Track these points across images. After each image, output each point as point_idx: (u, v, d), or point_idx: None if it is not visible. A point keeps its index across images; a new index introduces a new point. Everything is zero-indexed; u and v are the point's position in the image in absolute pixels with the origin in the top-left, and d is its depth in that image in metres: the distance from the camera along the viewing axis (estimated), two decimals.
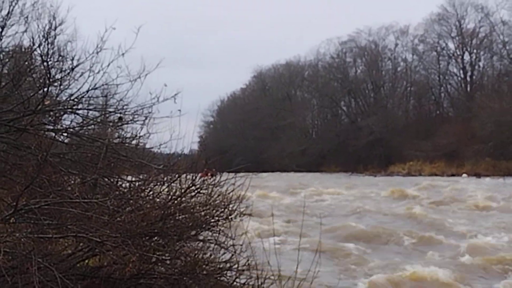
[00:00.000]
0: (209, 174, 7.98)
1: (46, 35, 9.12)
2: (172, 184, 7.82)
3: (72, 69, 8.73)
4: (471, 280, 14.09)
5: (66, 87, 8.98)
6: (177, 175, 7.94)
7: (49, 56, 8.99)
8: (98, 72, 8.59)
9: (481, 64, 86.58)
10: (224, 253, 7.65)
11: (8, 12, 25.58)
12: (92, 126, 9.27)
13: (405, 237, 19.73)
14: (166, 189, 7.76)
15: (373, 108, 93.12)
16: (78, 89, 8.73)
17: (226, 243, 7.81)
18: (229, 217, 8.01)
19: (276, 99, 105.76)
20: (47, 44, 9.01)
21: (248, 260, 7.60)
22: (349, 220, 24.12)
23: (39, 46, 9.18)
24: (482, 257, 15.87)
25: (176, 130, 8.64)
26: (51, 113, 8.75)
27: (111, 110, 9.31)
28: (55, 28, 9.37)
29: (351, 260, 16.52)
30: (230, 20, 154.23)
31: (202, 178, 7.89)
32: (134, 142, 9.19)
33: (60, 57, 9.28)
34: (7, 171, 7.69)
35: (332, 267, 14.78)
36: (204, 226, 7.66)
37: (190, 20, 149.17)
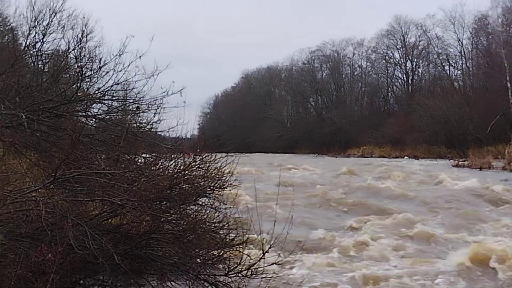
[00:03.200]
0: (190, 155, 7.97)
1: (78, 41, 9.08)
2: (178, 160, 7.82)
3: (99, 68, 8.70)
4: None
5: (95, 82, 8.95)
6: (181, 153, 7.97)
7: (81, 58, 8.97)
8: (120, 71, 8.56)
9: (420, 70, 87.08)
10: (218, 215, 7.66)
11: (48, 23, 25.43)
12: (115, 113, 9.22)
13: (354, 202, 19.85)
14: (173, 164, 7.75)
15: (335, 103, 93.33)
16: (104, 84, 8.69)
17: (219, 207, 7.83)
18: (222, 187, 8.03)
19: (259, 96, 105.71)
20: (80, 48, 8.98)
21: (236, 220, 7.64)
22: (314, 189, 24.20)
23: (73, 50, 9.13)
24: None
25: (181, 118, 8.64)
26: (83, 102, 8.70)
27: (130, 101, 9.25)
28: (86, 35, 9.33)
29: (315, 218, 16.62)
30: (222, 28, 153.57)
31: (186, 158, 7.91)
32: (148, 126, 9.15)
33: (90, 59, 9.23)
34: (47, 148, 7.65)
35: (302, 225, 14.85)
36: (202, 193, 7.67)
37: (190, 28, 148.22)
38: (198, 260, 7.05)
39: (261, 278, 7.05)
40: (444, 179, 27.89)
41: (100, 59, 8.86)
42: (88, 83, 8.99)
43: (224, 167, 8.25)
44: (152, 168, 7.70)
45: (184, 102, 8.74)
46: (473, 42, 75.12)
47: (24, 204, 5.93)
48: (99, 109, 9.03)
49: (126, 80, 8.81)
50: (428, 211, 18.58)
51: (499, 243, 12.48)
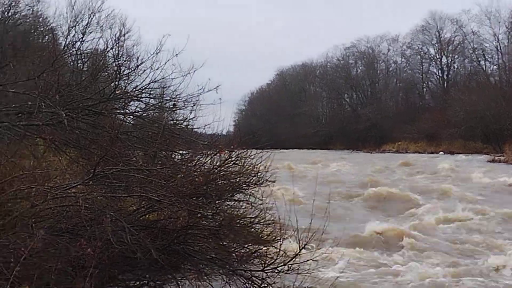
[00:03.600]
0: (224, 152, 7.95)
1: (116, 40, 9.15)
2: (214, 156, 7.82)
3: (137, 66, 8.75)
4: None
5: (132, 80, 9.00)
6: (217, 150, 7.96)
7: (119, 57, 9.03)
8: (157, 69, 8.62)
9: (455, 65, 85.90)
10: (254, 210, 7.64)
11: (87, 23, 25.78)
12: (152, 111, 9.27)
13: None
14: (209, 161, 7.75)
15: (370, 99, 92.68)
16: (141, 82, 8.74)
17: (255, 202, 7.81)
18: (258, 182, 8.01)
19: (294, 93, 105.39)
20: (118, 47, 9.05)
21: (272, 216, 7.61)
22: (351, 185, 24.06)
23: (111, 49, 9.23)
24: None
25: (217, 115, 8.65)
26: (121, 100, 8.77)
27: (167, 98, 9.30)
28: (124, 34, 9.44)
29: (352, 215, 16.53)
30: (257, 26, 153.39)
31: (220, 154, 7.88)
32: (184, 123, 9.21)
33: (128, 57, 9.30)
34: (87, 145, 7.72)
35: (339, 222, 14.77)
36: (238, 189, 7.66)
37: (227, 31, 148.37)
38: (234, 255, 7.04)
39: (297, 274, 7.02)
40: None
41: (138, 58, 8.93)
42: (126, 81, 9.05)
43: (260, 163, 8.23)
44: (189, 164, 7.71)
45: (220, 99, 8.77)
46: (509, 36, 74.04)
47: (64, 200, 5.99)
48: (136, 106, 9.10)
49: (163, 78, 8.88)
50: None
51: None
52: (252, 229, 7.42)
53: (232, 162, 7.73)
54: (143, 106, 9.00)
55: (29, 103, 7.16)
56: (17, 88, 7.49)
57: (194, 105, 8.90)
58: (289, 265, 7.03)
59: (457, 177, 28.38)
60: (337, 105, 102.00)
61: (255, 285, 7.02)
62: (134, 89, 8.74)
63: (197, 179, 6.99)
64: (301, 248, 7.05)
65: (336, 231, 12.53)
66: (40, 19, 29.58)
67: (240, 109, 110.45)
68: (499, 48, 76.11)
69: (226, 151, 7.90)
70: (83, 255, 5.33)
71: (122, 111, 8.83)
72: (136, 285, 6.83)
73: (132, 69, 8.86)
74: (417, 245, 12.55)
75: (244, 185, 7.80)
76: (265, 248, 7.33)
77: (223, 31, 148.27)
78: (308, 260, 7.19)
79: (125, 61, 9.23)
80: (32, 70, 8.08)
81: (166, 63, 8.64)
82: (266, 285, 7.03)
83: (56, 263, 5.08)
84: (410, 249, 12.19)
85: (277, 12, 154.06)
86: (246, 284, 7.04)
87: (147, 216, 6.85)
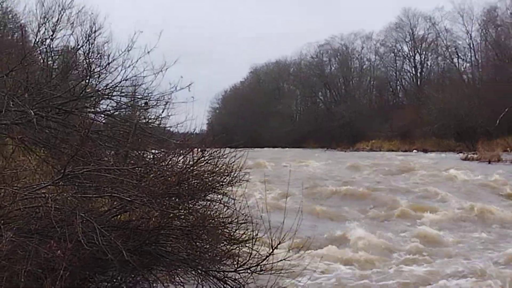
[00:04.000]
0: (197, 151, 7.95)
1: (87, 37, 9.10)
2: (186, 156, 7.80)
3: (108, 64, 8.72)
4: None
5: (103, 78, 8.98)
6: (190, 149, 7.95)
7: (90, 54, 8.97)
8: (129, 66, 8.59)
9: (428, 63, 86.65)
10: (227, 210, 7.63)
11: (58, 19, 25.45)
12: (124, 109, 9.24)
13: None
14: (182, 160, 7.74)
15: (344, 97, 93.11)
16: (113, 80, 8.73)
17: (228, 202, 7.80)
18: (231, 182, 8.01)
19: (268, 90, 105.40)
20: (88, 45, 9.00)
21: (245, 216, 7.61)
22: (324, 183, 24.12)
23: (82, 46, 9.17)
24: None
25: (189, 113, 8.63)
26: (92, 99, 8.74)
27: (139, 97, 9.27)
28: (95, 31, 9.36)
29: (325, 214, 16.57)
30: (229, 23, 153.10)
31: (193, 153, 7.87)
32: (157, 122, 9.17)
33: (99, 55, 9.25)
34: (57, 144, 7.66)
35: (312, 221, 14.82)
36: (211, 189, 7.64)
37: (199, 24, 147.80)
38: (207, 256, 7.04)
39: (270, 274, 7.03)
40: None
41: (109, 55, 8.89)
42: (97, 79, 9.02)
43: (233, 162, 8.22)
44: (161, 163, 7.68)
45: (193, 97, 8.76)
46: (482, 34, 74.85)
47: (33, 201, 5.93)
48: (108, 105, 9.06)
49: (135, 76, 8.85)
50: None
51: None
52: (225, 229, 7.41)
53: (205, 162, 7.72)
54: (115, 104, 8.97)
55: None
56: None
57: (166, 104, 8.88)
58: (262, 265, 7.03)
59: (431, 175, 28.58)
60: (311, 103, 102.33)
61: (228, 286, 7.03)
62: (105, 87, 8.71)
63: (169, 178, 6.96)
64: (273, 248, 7.06)
65: (310, 230, 12.58)
66: (10, 15, 29.24)
67: (213, 107, 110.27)
68: (472, 45, 77.02)
69: (199, 150, 7.90)
70: (53, 257, 5.29)
71: (93, 110, 8.80)
72: (107, 287, 6.79)
73: (103, 67, 8.82)
74: (392, 245, 12.62)
75: (217, 185, 7.79)
76: (238, 248, 7.34)
77: (196, 28, 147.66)
78: (281, 260, 7.19)
79: (96, 58, 9.18)
80: (0, 67, 7.98)
81: (137, 60, 8.62)
82: (239, 285, 7.03)
83: (25, 266, 5.03)
84: (385, 249, 12.26)
85: (251, 9, 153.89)
86: (219, 284, 7.04)
87: (118, 216, 6.82)
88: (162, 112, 8.94)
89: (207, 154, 7.84)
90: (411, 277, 10.00)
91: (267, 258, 7.03)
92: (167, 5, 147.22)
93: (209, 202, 7.63)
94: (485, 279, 9.73)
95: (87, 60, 8.86)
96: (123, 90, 8.92)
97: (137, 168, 7.00)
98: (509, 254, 11.33)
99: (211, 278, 7.01)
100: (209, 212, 7.36)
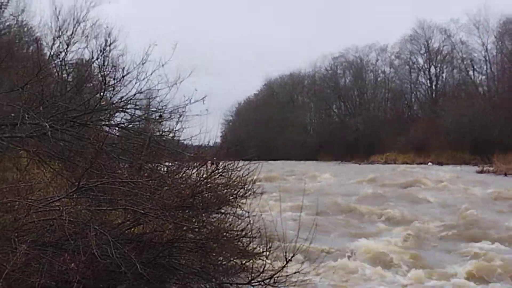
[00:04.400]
0: (211, 163, 7.95)
1: (102, 50, 9.16)
2: (200, 168, 7.82)
3: (123, 77, 8.76)
4: None
5: (118, 91, 9.02)
6: (204, 162, 7.97)
7: (104, 67, 9.02)
8: (143, 79, 8.64)
9: (444, 75, 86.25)
10: (241, 223, 7.64)
11: (72, 32, 25.63)
12: (138, 122, 9.28)
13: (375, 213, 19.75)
14: (196, 172, 7.76)
15: (358, 110, 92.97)
16: (127, 93, 8.76)
17: (242, 215, 7.81)
18: (245, 194, 8.02)
19: (282, 103, 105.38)
20: (103, 58, 9.05)
21: (259, 229, 7.61)
22: (337, 198, 24.04)
23: (97, 59, 9.23)
24: None
25: (203, 126, 8.66)
26: (106, 111, 8.76)
27: (153, 109, 9.31)
28: (110, 44, 9.42)
29: (340, 228, 16.53)
30: (244, 36, 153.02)
31: (207, 166, 7.88)
32: (170, 135, 9.20)
33: (113, 68, 9.29)
34: (71, 157, 7.70)
35: (326, 234, 14.77)
36: (225, 202, 7.66)
37: (213, 39, 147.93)
38: (221, 268, 7.05)
39: (284, 286, 7.02)
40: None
41: (123, 68, 8.94)
42: (111, 92, 9.05)
43: (247, 175, 8.23)
44: (175, 176, 7.71)
45: (207, 110, 8.79)
46: (498, 46, 74.42)
47: (47, 214, 5.97)
48: (122, 118, 9.09)
49: (149, 89, 8.88)
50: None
51: None
52: (239, 242, 7.43)
53: (219, 174, 7.74)
54: (129, 117, 9.00)
55: (13, 114, 7.13)
56: (0, 100, 7.46)
57: (180, 116, 8.92)
58: (276, 278, 7.04)
59: (448, 188, 28.48)
60: (325, 116, 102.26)
61: None
62: (120, 100, 8.74)
63: (183, 191, 6.98)
64: (287, 260, 7.06)
65: (324, 243, 12.54)
66: (25, 29, 29.45)
67: (227, 119, 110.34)
68: (487, 58, 76.59)
69: (213, 163, 7.91)
70: (67, 270, 5.32)
71: (108, 123, 8.83)
72: None
73: (118, 80, 8.86)
74: (405, 257, 12.57)
75: (231, 197, 7.81)
76: (251, 261, 7.34)
77: (210, 40, 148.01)
78: (295, 273, 7.18)
79: (110, 71, 9.22)
80: (16, 80, 8.04)
81: (152, 73, 8.66)
82: None
83: (39, 278, 5.06)
84: (400, 262, 12.22)
85: (264, 21, 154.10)
86: None
87: (132, 229, 6.83)
88: (176, 124, 8.99)
89: (221, 167, 7.86)
90: None
91: (281, 271, 7.03)
92: (181, 17, 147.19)
93: (223, 215, 7.65)
94: None
95: (102, 73, 8.90)
96: (137, 103, 8.97)
97: (151, 181, 7.02)
98: None
99: None
100: (222, 225, 7.38)
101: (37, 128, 7.13)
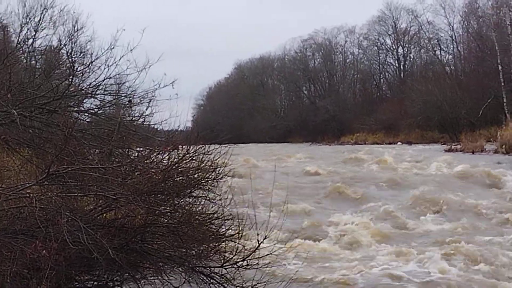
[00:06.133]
0: (168, 148, 7.97)
1: (70, 37, 9.09)
2: (171, 153, 7.81)
3: (91, 63, 8.71)
4: None
5: (87, 77, 8.95)
6: (175, 146, 7.95)
7: (72, 53, 8.95)
8: (112, 65, 8.56)
9: (411, 56, 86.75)
10: (213, 206, 7.66)
11: (40, 19, 25.38)
12: (108, 108, 9.23)
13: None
14: (167, 157, 7.75)
15: (328, 91, 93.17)
16: (96, 79, 8.70)
17: (214, 198, 7.82)
18: (216, 178, 8.02)
19: (252, 86, 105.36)
20: (71, 44, 8.98)
21: (231, 212, 7.64)
22: (306, 180, 24.15)
23: (64, 46, 9.17)
24: None
25: (174, 111, 8.64)
26: (75, 97, 8.70)
27: (122, 95, 9.25)
28: (77, 30, 9.39)
29: (310, 209, 16.63)
30: (212, 19, 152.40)
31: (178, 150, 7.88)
32: (141, 120, 9.16)
33: (82, 54, 9.25)
34: (40, 144, 7.63)
35: (297, 216, 14.86)
36: (196, 185, 7.65)
37: (180, 19, 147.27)
38: (193, 252, 7.06)
39: (256, 268, 7.07)
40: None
41: (92, 54, 8.88)
42: (80, 78, 8.98)
43: (218, 158, 8.24)
44: (146, 161, 7.69)
45: (177, 94, 8.75)
46: (464, 26, 74.97)
47: (18, 201, 5.92)
48: (91, 103, 9.03)
49: (118, 74, 8.83)
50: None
51: None
52: (211, 225, 7.43)
53: (190, 158, 7.72)
54: (98, 103, 8.94)
55: None
56: None
57: (150, 101, 8.88)
58: (248, 260, 7.08)
59: (414, 166, 28.73)
60: (296, 98, 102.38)
61: (215, 282, 7.05)
62: (89, 86, 8.69)
63: (154, 176, 6.96)
64: (259, 243, 7.10)
65: (295, 224, 12.62)
66: None
67: (198, 104, 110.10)
68: (454, 37, 77.08)
69: (184, 147, 7.90)
70: (38, 257, 5.29)
71: (77, 109, 8.77)
72: (94, 286, 6.79)
73: (86, 66, 8.81)
74: (374, 235, 12.74)
75: (203, 181, 7.79)
76: (224, 244, 7.37)
77: (179, 25, 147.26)
78: (267, 255, 7.23)
79: (79, 57, 9.17)
80: None
81: (120, 58, 8.60)
82: (225, 281, 7.06)
83: (11, 266, 5.02)
84: (369, 240, 12.36)
85: (232, 4, 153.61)
86: (206, 280, 7.06)
87: (104, 215, 6.80)
88: (146, 109, 8.94)
89: (192, 151, 7.83)
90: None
91: (253, 253, 7.07)
92: (149, 1, 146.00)
93: (194, 199, 7.65)
94: None
95: (70, 59, 8.86)
96: (106, 89, 8.92)
97: (122, 166, 6.99)
98: None
99: (198, 274, 7.03)
100: (194, 209, 7.38)
101: (5, 115, 7.05)
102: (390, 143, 60.67)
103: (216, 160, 8.13)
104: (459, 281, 9.55)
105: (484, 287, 9.34)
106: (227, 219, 7.51)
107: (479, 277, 9.69)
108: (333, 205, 17.76)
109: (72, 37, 9.32)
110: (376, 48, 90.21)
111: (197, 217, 7.18)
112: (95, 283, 6.80)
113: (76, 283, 6.42)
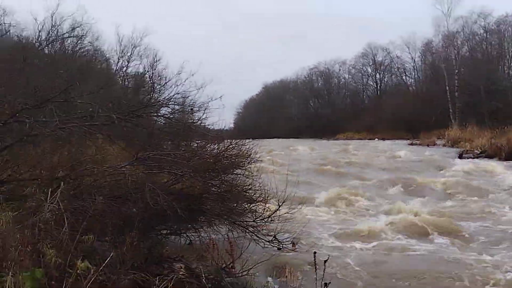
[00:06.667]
0: (217, 141, 8.02)
1: (151, 65, 9.16)
2: (220, 144, 7.85)
3: (165, 83, 8.78)
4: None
5: (162, 93, 9.02)
6: (222, 140, 8.02)
7: (153, 77, 9.03)
8: (179, 85, 8.63)
9: (385, 79, 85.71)
10: (247, 180, 7.69)
11: (131, 53, 25.58)
12: (177, 113, 9.27)
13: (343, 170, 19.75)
14: (216, 147, 7.79)
15: (327, 104, 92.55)
16: (169, 94, 8.76)
17: (248, 175, 7.85)
18: (250, 161, 8.06)
19: (275, 100, 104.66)
20: (152, 70, 9.07)
21: (260, 184, 7.67)
22: (314, 162, 23.97)
23: (147, 71, 9.23)
24: None
25: (221, 116, 8.69)
26: (154, 107, 8.76)
27: (186, 105, 9.31)
28: (156, 61, 9.44)
29: (314, 183, 16.55)
30: (252, 54, 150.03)
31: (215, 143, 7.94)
32: (199, 122, 9.19)
33: (159, 77, 9.32)
34: (131, 138, 7.72)
35: (305, 188, 14.78)
36: (237, 166, 7.69)
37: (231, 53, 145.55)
38: (234, 211, 7.09)
39: (277, 222, 7.11)
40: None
41: (166, 77, 8.92)
42: (158, 93, 9.07)
43: (251, 148, 8.29)
44: (202, 150, 7.73)
45: (223, 105, 8.76)
46: (422, 59, 74.17)
47: (116, 176, 6.00)
48: (166, 111, 9.08)
49: (184, 91, 8.90)
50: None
51: None
52: (246, 193, 7.46)
53: (232, 148, 7.76)
54: (170, 110, 8.98)
55: (91, 109, 7.13)
56: (83, 100, 7.46)
57: (205, 109, 8.90)
58: (272, 217, 7.13)
59: (388, 155, 28.42)
60: (305, 108, 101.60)
61: (249, 231, 7.09)
62: (164, 99, 8.75)
63: (208, 160, 7.02)
64: (279, 205, 7.13)
65: (304, 194, 12.58)
66: (98, 52, 29.58)
67: (237, 112, 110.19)
68: (415, 67, 76.43)
69: (228, 141, 7.95)
70: (130, 213, 5.36)
71: (156, 114, 8.81)
72: (167, 233, 6.86)
73: (162, 85, 8.88)
74: (350, 203, 12.66)
75: (241, 163, 7.84)
76: (255, 206, 7.40)
77: (228, 56, 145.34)
78: (285, 213, 7.27)
79: (157, 79, 9.23)
80: (93, 87, 8.05)
81: (185, 80, 8.68)
82: (256, 230, 7.10)
83: (111, 219, 5.10)
84: (346, 207, 12.30)
85: (267, 45, 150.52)
86: (243, 230, 7.11)
87: (174, 186, 6.86)
88: (202, 115, 8.99)
89: (233, 143, 7.88)
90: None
91: (275, 212, 7.12)
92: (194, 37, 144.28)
93: (235, 175, 7.68)
94: None
95: (151, 81, 8.93)
96: (176, 101, 8.95)
97: (186, 153, 7.05)
98: None
99: (237, 226, 7.06)
100: (235, 182, 7.41)
101: (108, 118, 7.14)
102: (370, 139, 60.14)
103: (250, 149, 8.19)
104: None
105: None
106: (257, 189, 7.54)
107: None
108: (324, 180, 17.55)
109: (153, 65, 9.45)
110: (360, 74, 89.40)
111: (237, 187, 7.21)
112: (168, 231, 6.87)
113: (155, 230, 6.49)
